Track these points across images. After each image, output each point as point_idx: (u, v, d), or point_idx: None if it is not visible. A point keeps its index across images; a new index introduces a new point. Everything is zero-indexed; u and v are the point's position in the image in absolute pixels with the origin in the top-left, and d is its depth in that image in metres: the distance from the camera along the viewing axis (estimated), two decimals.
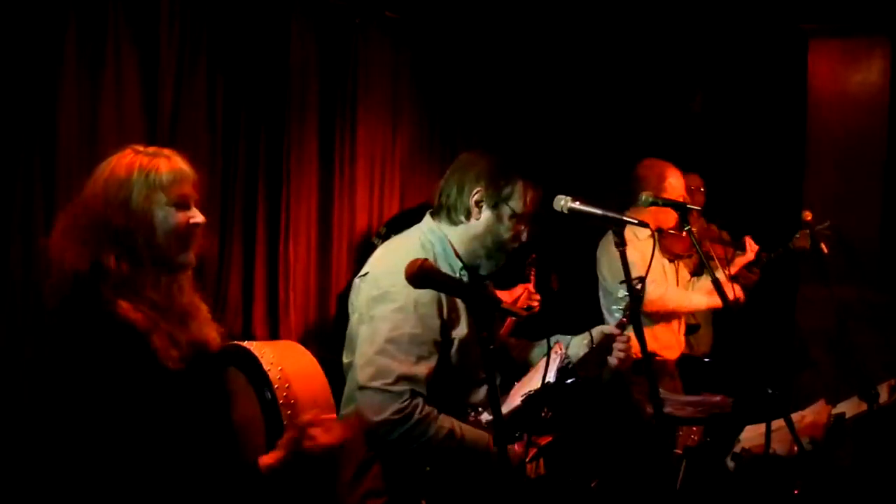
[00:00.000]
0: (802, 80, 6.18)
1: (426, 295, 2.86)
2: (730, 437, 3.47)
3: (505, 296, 4.87)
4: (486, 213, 3.03)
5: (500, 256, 3.09)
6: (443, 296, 2.90)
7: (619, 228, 2.82)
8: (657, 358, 4.69)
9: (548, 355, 2.61)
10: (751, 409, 3.44)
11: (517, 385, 3.07)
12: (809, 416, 3.53)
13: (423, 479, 2.92)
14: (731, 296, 4.02)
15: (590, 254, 4.98)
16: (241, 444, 2.45)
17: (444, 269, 2.99)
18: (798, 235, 4.87)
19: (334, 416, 2.61)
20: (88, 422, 2.22)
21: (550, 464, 3.12)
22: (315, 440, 2.41)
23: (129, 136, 4.15)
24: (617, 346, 3.10)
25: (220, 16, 4.71)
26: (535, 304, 5.03)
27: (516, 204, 3.02)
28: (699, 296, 4.85)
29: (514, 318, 2.59)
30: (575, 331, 3.28)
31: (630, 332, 3.01)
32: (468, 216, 3.04)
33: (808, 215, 4.72)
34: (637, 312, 2.83)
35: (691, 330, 5.34)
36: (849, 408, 3.68)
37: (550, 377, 2.79)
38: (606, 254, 4.81)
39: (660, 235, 4.76)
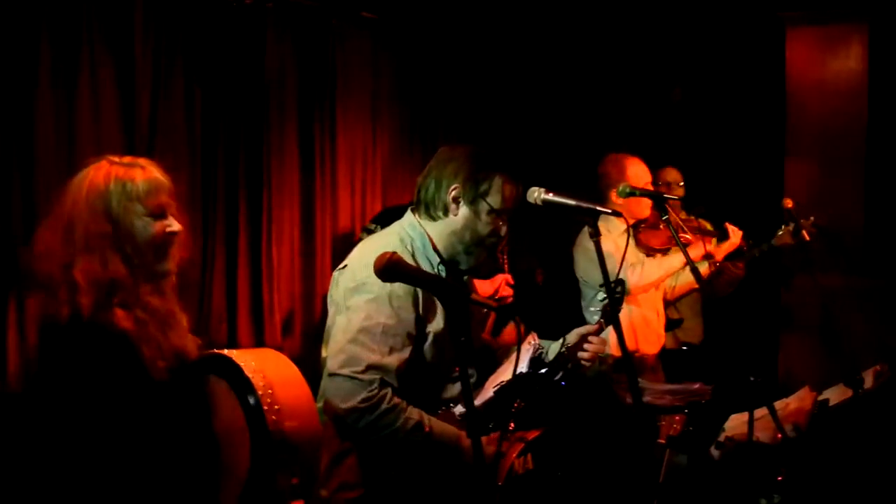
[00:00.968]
0: (781, 69, 6.19)
1: (402, 287, 2.86)
2: (714, 426, 3.46)
3: (486, 285, 4.86)
4: (463, 210, 3.03)
5: (478, 252, 3.09)
6: (419, 289, 2.91)
7: (593, 220, 2.81)
8: (637, 354, 4.67)
9: (518, 346, 2.60)
10: (734, 397, 3.44)
11: (490, 378, 3.07)
12: (794, 402, 3.53)
13: (395, 472, 2.92)
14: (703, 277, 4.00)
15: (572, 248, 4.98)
16: (223, 451, 2.45)
17: (423, 263, 3.00)
18: (781, 232, 4.87)
19: (318, 422, 2.59)
20: (78, 432, 2.22)
21: (538, 458, 3.12)
22: None
23: (107, 147, 4.14)
24: (588, 344, 3.10)
25: (194, 24, 4.71)
26: (510, 292, 5.01)
27: (494, 200, 3.01)
28: (672, 256, 4.80)
29: (486, 309, 2.59)
30: (559, 325, 3.28)
31: (608, 332, 3.02)
32: (446, 212, 3.04)
33: (788, 203, 4.73)
34: (616, 313, 2.83)
35: (675, 324, 5.33)
36: (834, 395, 3.67)
37: (522, 367, 2.79)
38: (582, 252, 4.80)
39: (635, 230, 4.75)
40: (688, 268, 4.96)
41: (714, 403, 3.46)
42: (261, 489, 2.35)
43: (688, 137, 6.32)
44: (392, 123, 5.96)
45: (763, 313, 5.96)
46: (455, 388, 3.05)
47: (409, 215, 3.15)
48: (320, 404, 2.93)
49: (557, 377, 2.99)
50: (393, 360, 2.86)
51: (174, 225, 2.43)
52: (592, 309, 3.17)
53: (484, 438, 2.87)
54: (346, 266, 3.05)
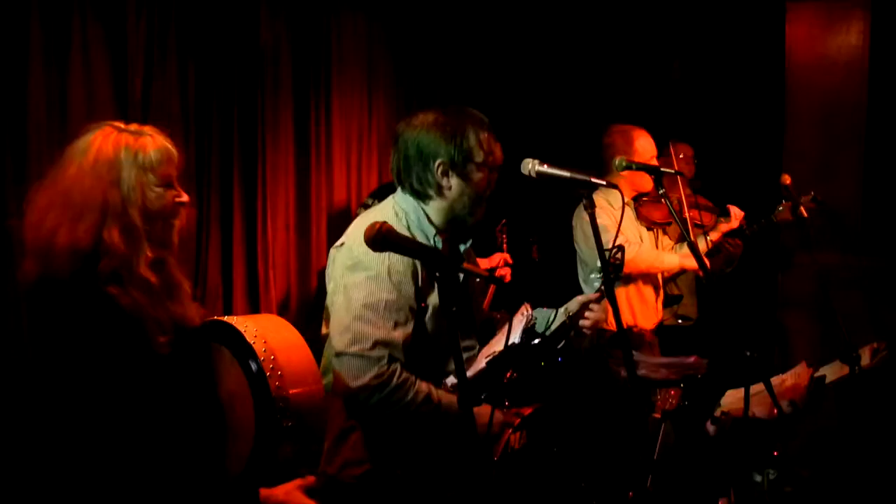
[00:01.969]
0: (781, 45, 6.15)
1: (400, 262, 2.85)
2: (711, 401, 3.45)
3: (483, 263, 4.85)
4: (455, 181, 3.01)
5: (479, 208, 3.08)
6: (417, 262, 2.89)
7: (588, 191, 2.78)
8: (635, 329, 4.66)
9: (511, 317, 2.58)
10: (731, 372, 3.42)
11: (484, 349, 3.06)
12: (790, 378, 3.52)
13: (400, 447, 2.91)
14: (707, 264, 3.99)
15: (570, 223, 4.96)
16: (229, 420, 2.43)
17: (418, 236, 2.98)
18: (781, 208, 4.85)
19: (321, 387, 2.56)
20: (82, 408, 2.18)
21: (532, 434, 3.11)
22: None
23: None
24: (590, 310, 3.08)
25: None
26: (507, 271, 5.00)
27: (478, 155, 2.99)
28: (671, 255, 4.81)
29: (478, 279, 2.57)
30: (555, 301, 3.26)
31: (606, 302, 3.00)
32: (440, 191, 3.02)
33: (786, 179, 4.69)
34: (611, 283, 2.80)
35: (674, 301, 5.32)
36: (831, 371, 3.67)
37: (515, 338, 2.77)
38: (580, 222, 4.78)
39: (637, 203, 4.72)
40: (685, 243, 5.00)
41: (710, 378, 3.44)
42: (267, 456, 2.33)
43: (687, 114, 6.27)
44: (388, 99, 5.95)
45: (760, 290, 5.95)
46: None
47: (400, 191, 3.13)
48: (324, 381, 2.92)
49: (558, 348, 2.97)
50: (398, 335, 2.85)
51: (183, 195, 2.40)
52: (592, 278, 3.14)
53: (497, 411, 2.87)
54: (343, 244, 3.03)
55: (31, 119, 4.00)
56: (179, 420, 2.24)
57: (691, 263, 4.66)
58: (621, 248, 2.92)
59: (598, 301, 3.09)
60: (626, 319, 4.56)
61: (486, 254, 5.03)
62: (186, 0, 4.66)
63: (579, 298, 3.13)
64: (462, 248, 3.17)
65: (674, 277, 5.22)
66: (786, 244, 5.88)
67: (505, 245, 4.99)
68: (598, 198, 2.82)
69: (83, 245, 2.24)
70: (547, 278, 5.24)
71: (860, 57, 6.00)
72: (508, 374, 2.85)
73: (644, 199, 4.77)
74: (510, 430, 2.98)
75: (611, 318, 2.95)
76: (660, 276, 4.92)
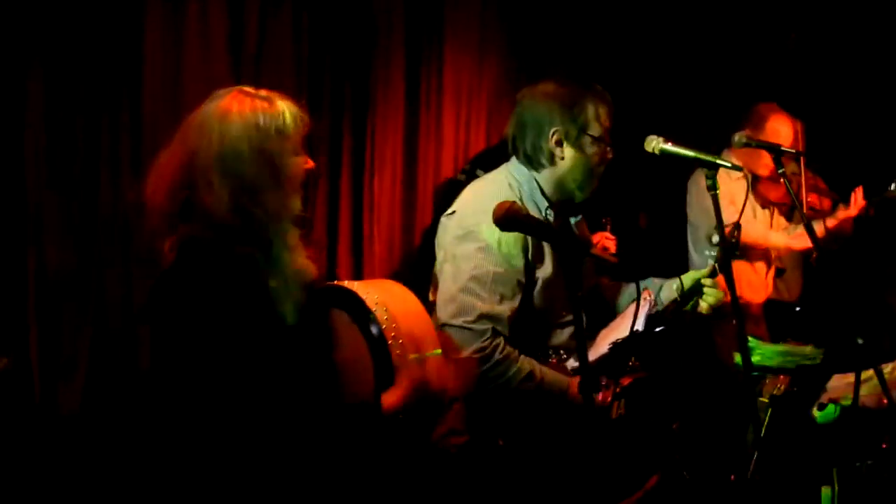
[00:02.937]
0: None
1: (510, 234, 2.84)
2: (817, 386, 3.40)
3: None
4: (568, 152, 3.01)
5: (592, 182, 3.08)
6: (528, 237, 2.88)
7: (711, 171, 2.74)
8: (741, 301, 4.60)
9: (637, 302, 2.56)
10: (839, 358, 3.36)
11: (603, 332, 3.04)
12: None
13: (501, 419, 2.93)
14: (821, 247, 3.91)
15: (678, 192, 4.90)
16: (346, 384, 2.43)
17: (531, 208, 2.97)
18: (894, 185, 4.70)
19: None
20: (207, 368, 2.19)
21: (631, 405, 3.10)
22: (434, 382, 2.39)
23: (213, 76, 4.14)
24: (708, 291, 3.04)
25: None
26: (613, 241, 4.95)
27: (594, 128, 2.99)
28: (779, 234, 4.73)
29: (605, 264, 2.55)
30: (663, 270, 3.23)
31: (720, 278, 2.96)
32: (552, 160, 3.01)
33: None
34: (729, 260, 2.76)
35: (777, 274, 5.23)
36: None
37: (639, 325, 2.74)
38: (695, 190, 4.72)
39: (755, 180, 4.64)
40: (800, 226, 4.89)
41: (821, 365, 3.38)
42: (384, 424, 2.34)
43: (805, 89, 6.09)
44: (498, 58, 5.85)
45: (870, 272, 5.80)
46: (564, 334, 3.03)
47: (514, 159, 3.12)
48: None
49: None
50: (504, 309, 2.86)
51: (309, 161, 2.42)
52: (706, 252, 3.09)
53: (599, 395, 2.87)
54: (454, 212, 3.04)
55: (147, 67, 4.01)
56: (297, 382, 2.27)
57: (799, 244, 4.58)
58: (738, 227, 2.87)
59: (711, 276, 3.05)
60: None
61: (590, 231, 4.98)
62: None
63: (692, 274, 3.10)
64: (573, 220, 3.16)
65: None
66: None
67: (609, 227, 4.90)
68: (719, 173, 2.77)
69: (228, 211, 2.27)
70: (655, 248, 5.19)
71: None
72: (631, 362, 2.84)
73: (763, 177, 4.68)
74: (609, 399, 2.98)
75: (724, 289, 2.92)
76: (772, 251, 4.83)
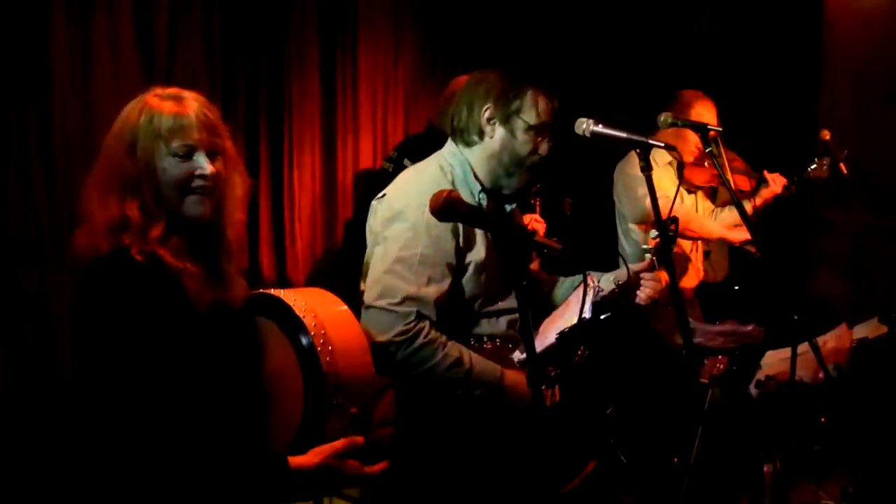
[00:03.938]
0: None
1: None
2: (752, 364, 3.40)
3: None
4: (498, 130, 2.94)
5: (521, 174, 2.99)
6: None
7: (644, 153, 2.70)
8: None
9: (584, 289, 2.50)
10: (774, 335, 3.37)
11: (546, 322, 2.98)
12: (831, 341, 3.45)
13: (432, 409, 2.85)
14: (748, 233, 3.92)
15: (604, 176, 4.88)
16: (274, 396, 2.36)
17: (463, 192, 2.91)
18: (814, 165, 4.74)
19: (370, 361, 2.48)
20: (123, 366, 2.09)
21: (566, 391, 3.06)
22: (355, 469, 2.31)
23: (125, 79, 4.12)
24: (646, 283, 3.01)
25: None
26: (541, 224, 4.92)
27: (529, 116, 2.91)
28: (714, 224, 4.75)
29: (549, 251, 2.49)
30: (592, 257, 3.19)
31: (659, 270, 2.93)
32: (481, 135, 2.95)
33: (825, 135, 4.60)
34: (669, 251, 2.72)
35: (704, 255, 5.25)
36: (869, 331, 3.61)
37: (586, 313, 2.69)
38: (623, 179, 4.71)
39: (679, 166, 4.64)
40: (726, 208, 4.92)
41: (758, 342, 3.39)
42: (314, 433, 2.26)
43: (717, 69, 6.12)
44: (414, 48, 5.84)
45: (793, 249, 5.87)
46: (499, 324, 2.96)
47: (449, 144, 3.06)
48: None
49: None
50: (431, 292, 2.77)
51: (205, 167, 2.24)
52: (644, 248, 3.05)
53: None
54: (384, 195, 2.96)
55: (55, 76, 3.94)
56: (220, 392, 2.18)
57: (734, 237, 4.60)
58: (675, 220, 2.82)
59: (649, 270, 3.01)
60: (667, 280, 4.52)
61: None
62: None
63: (632, 267, 3.05)
64: (508, 208, 3.10)
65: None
66: (818, 203, 5.78)
67: (538, 207, 4.89)
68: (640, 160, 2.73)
69: (115, 219, 2.17)
70: (581, 234, 5.16)
71: None
72: (580, 352, 2.79)
73: (687, 163, 4.69)
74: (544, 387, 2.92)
75: (663, 278, 2.89)
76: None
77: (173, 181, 2.21)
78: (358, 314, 2.86)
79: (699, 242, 4.89)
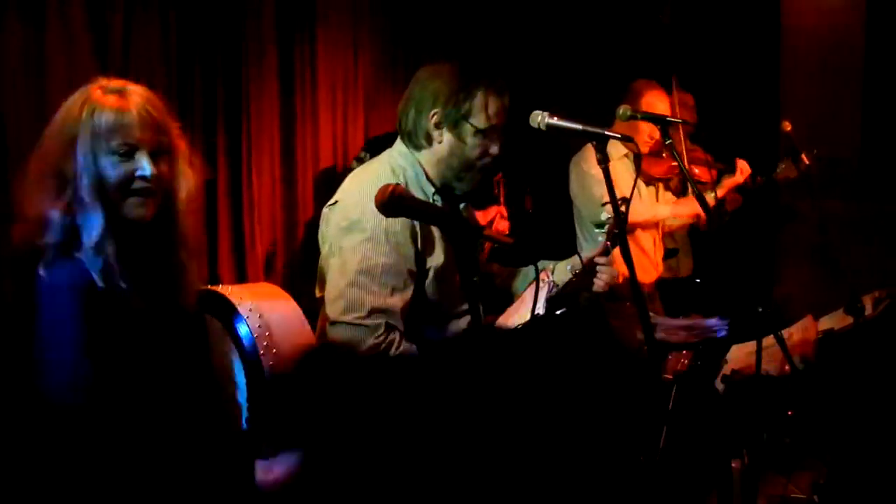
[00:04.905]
0: None
1: (398, 222, 2.70)
2: (716, 358, 3.36)
3: (479, 217, 4.73)
4: (447, 135, 2.87)
5: (471, 176, 2.93)
6: (416, 222, 2.74)
7: (601, 145, 2.64)
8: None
9: (536, 284, 2.45)
10: (739, 328, 3.33)
11: (501, 318, 2.93)
12: (797, 333, 3.43)
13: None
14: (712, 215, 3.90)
15: (565, 171, 4.85)
16: (222, 392, 2.33)
17: (417, 194, 2.83)
18: (783, 165, 4.74)
19: None
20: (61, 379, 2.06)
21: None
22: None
23: (79, 73, 3.93)
24: (601, 269, 2.95)
25: None
26: (506, 224, 4.89)
27: (478, 120, 2.84)
28: (663, 206, 4.74)
29: (499, 245, 2.44)
30: (552, 253, 3.14)
31: (614, 254, 2.88)
32: (430, 141, 2.88)
33: (787, 126, 4.58)
34: (623, 234, 2.66)
35: (669, 254, 5.22)
36: (834, 322, 3.59)
37: (539, 308, 2.64)
38: (577, 173, 4.68)
39: (636, 157, 4.61)
40: (686, 198, 4.90)
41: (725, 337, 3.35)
42: (259, 435, 2.21)
43: (679, 60, 6.11)
44: (373, 47, 5.78)
45: (758, 241, 5.87)
46: (461, 325, 2.91)
47: (399, 143, 2.98)
48: None
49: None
50: (396, 301, 2.72)
51: (145, 167, 2.16)
52: (596, 230, 3.01)
53: None
54: (336, 202, 2.88)
55: (6, 74, 3.82)
56: (169, 387, 2.13)
57: (682, 212, 4.60)
58: (626, 201, 2.77)
59: (604, 254, 2.96)
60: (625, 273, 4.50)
61: (482, 206, 4.91)
62: None
63: (586, 253, 3.01)
64: (461, 206, 3.04)
65: (671, 231, 5.13)
66: (785, 195, 5.78)
67: (502, 198, 4.85)
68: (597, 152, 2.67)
69: (46, 217, 2.11)
70: (544, 229, 5.14)
71: None
72: None
73: (643, 154, 4.66)
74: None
75: (619, 268, 2.85)
76: (659, 230, 4.83)
77: (113, 182, 2.14)
78: (315, 316, 2.81)
79: (660, 238, 4.87)
